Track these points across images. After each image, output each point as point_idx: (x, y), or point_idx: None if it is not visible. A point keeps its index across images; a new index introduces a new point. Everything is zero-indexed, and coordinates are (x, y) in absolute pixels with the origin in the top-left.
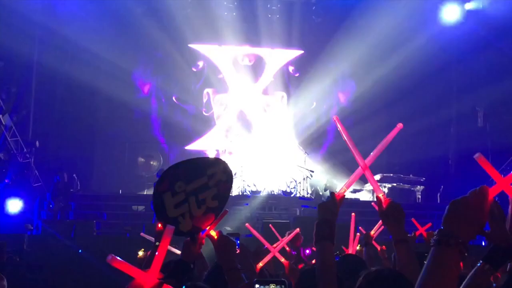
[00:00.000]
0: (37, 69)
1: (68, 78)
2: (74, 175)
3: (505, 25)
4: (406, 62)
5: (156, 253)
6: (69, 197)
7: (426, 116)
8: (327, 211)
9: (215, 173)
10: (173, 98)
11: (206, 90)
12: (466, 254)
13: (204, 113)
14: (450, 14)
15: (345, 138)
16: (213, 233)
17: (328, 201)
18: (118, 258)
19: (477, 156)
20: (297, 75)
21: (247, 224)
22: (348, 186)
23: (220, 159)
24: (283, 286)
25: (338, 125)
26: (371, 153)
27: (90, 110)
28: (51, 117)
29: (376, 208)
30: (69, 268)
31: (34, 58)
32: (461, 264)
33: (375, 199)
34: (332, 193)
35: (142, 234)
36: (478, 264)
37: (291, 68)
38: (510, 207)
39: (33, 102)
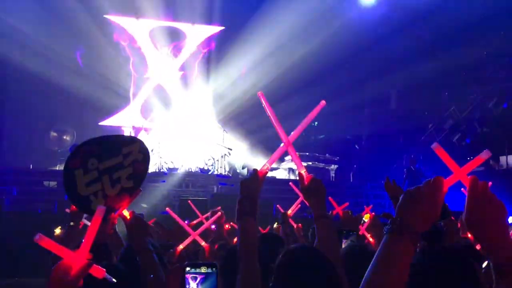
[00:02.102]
0: None
1: None
2: None
3: (419, 9)
4: (324, 43)
5: (87, 233)
6: None
7: (341, 97)
8: (249, 188)
9: (131, 152)
10: (78, 56)
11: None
12: (418, 244)
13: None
14: None
15: (269, 114)
16: (126, 213)
17: (250, 178)
18: (46, 237)
19: (434, 146)
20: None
21: (167, 208)
22: (271, 163)
23: (137, 138)
24: (214, 268)
25: (262, 101)
26: (295, 130)
27: (0, 81)
28: None
29: (294, 187)
30: None
31: None
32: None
33: (291, 177)
34: (255, 170)
35: (67, 210)
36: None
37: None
38: (466, 198)
39: None
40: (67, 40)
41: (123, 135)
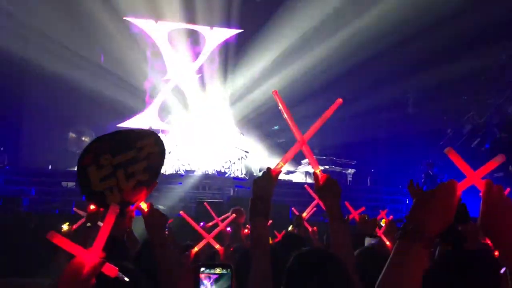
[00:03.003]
0: None
1: None
2: (2, 148)
3: (438, 13)
4: (342, 46)
5: (100, 231)
6: None
7: (359, 100)
8: (262, 187)
9: (146, 146)
10: (101, 59)
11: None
12: (431, 249)
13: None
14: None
15: (283, 112)
16: (143, 205)
17: (263, 177)
18: (59, 234)
19: (447, 150)
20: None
21: (181, 212)
22: (285, 162)
23: (151, 131)
24: (229, 269)
25: (277, 99)
26: (310, 128)
27: (19, 82)
28: None
29: (309, 189)
30: None
31: None
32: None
33: (308, 181)
34: (268, 168)
35: (75, 209)
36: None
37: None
38: (481, 202)
39: None
40: (87, 41)
41: (137, 129)
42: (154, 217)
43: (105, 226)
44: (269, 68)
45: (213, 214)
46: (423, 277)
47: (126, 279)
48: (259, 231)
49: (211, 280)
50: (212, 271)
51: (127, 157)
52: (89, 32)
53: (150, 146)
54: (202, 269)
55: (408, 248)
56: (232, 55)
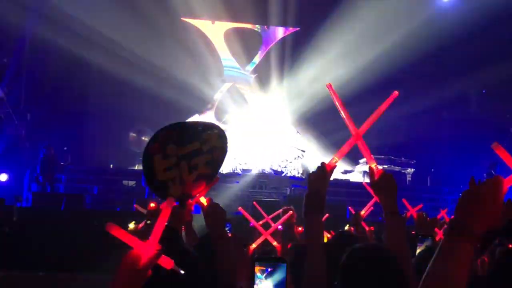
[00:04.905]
0: (30, 40)
1: (61, 50)
2: (65, 148)
3: (500, 9)
4: (401, 44)
5: (156, 223)
6: (58, 170)
7: (419, 98)
8: (317, 182)
9: (210, 139)
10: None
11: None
12: (478, 246)
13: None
14: None
15: (337, 105)
16: (203, 200)
17: (318, 172)
18: (116, 226)
19: (494, 145)
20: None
21: (240, 208)
22: (340, 156)
23: (215, 125)
24: (283, 263)
25: (331, 92)
26: (365, 121)
27: (82, 83)
28: (43, 90)
29: (368, 188)
30: (59, 240)
31: (26, 29)
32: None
33: (366, 181)
34: (322, 163)
35: (136, 205)
36: None
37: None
38: None
39: (25, 74)
40: (145, 42)
41: (202, 122)
42: (214, 212)
43: (161, 219)
44: (327, 66)
45: (263, 213)
46: (485, 278)
47: (182, 271)
48: (314, 227)
49: (266, 274)
50: (267, 264)
51: (191, 149)
52: (149, 34)
53: (213, 139)
54: (257, 262)
55: (455, 244)
56: (289, 54)
